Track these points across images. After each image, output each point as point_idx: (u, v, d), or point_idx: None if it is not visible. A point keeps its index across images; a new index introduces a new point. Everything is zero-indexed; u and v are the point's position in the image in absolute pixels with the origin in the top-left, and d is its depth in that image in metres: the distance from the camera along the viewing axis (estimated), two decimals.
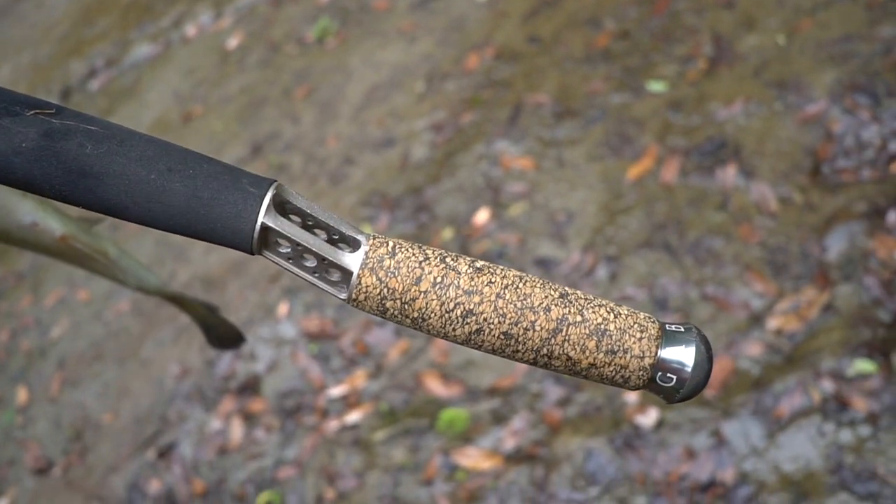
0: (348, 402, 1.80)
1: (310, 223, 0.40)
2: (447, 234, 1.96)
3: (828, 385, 1.36)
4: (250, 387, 1.97)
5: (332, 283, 0.39)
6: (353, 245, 0.39)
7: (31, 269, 2.83)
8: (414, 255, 0.38)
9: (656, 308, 1.62)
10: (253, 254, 0.38)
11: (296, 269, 0.39)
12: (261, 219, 0.37)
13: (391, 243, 0.38)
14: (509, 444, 1.57)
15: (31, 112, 0.37)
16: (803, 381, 1.38)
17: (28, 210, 0.57)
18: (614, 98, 2.04)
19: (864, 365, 1.35)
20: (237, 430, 1.92)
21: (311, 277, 0.39)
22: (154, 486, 1.96)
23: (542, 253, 1.81)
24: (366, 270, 0.38)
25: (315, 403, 1.84)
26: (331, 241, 0.40)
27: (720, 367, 1.48)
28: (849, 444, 1.29)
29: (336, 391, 1.83)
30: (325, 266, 0.39)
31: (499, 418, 1.61)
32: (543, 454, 1.52)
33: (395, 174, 2.21)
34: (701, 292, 1.60)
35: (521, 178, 1.99)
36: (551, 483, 1.48)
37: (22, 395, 2.45)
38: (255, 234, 0.37)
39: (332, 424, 1.78)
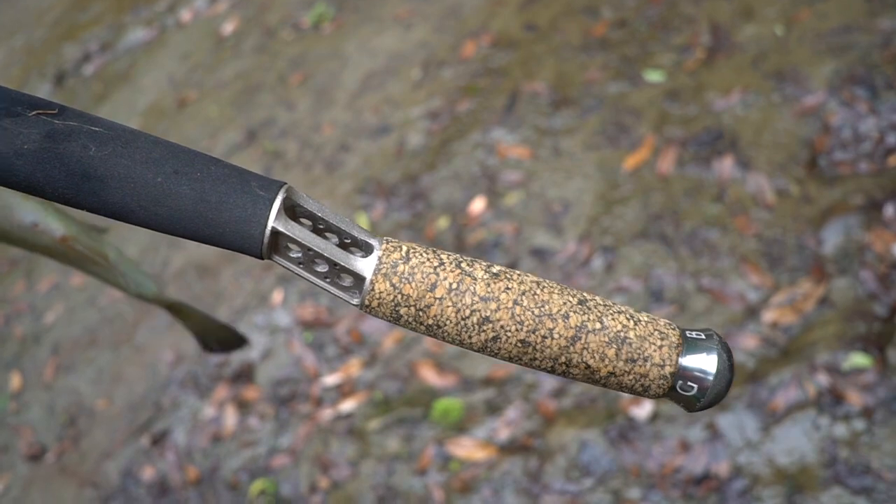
0: (343, 390, 1.80)
1: (321, 227, 0.39)
2: (443, 222, 1.95)
3: (823, 379, 1.36)
4: (244, 374, 1.97)
5: (344, 289, 0.38)
6: (366, 249, 0.38)
7: (24, 254, 2.81)
8: (428, 260, 0.37)
9: (651, 299, 1.62)
10: (262, 258, 0.37)
11: (306, 275, 0.38)
12: (271, 223, 0.36)
13: (405, 248, 0.37)
14: (503, 434, 1.57)
15: (33, 112, 0.36)
16: (798, 374, 1.38)
17: (29, 210, 0.56)
18: (611, 87, 2.03)
19: (859, 359, 1.35)
20: (231, 418, 1.92)
21: (322, 283, 0.38)
22: (148, 473, 1.96)
23: (537, 243, 1.81)
24: (379, 276, 0.37)
25: (309, 392, 1.84)
26: (342, 245, 0.39)
27: None
28: (843, 438, 1.30)
29: (330, 380, 1.82)
30: (337, 271, 0.38)
31: (493, 409, 1.61)
32: (538, 445, 1.52)
33: (391, 162, 2.19)
34: (697, 284, 1.60)
35: (517, 166, 1.98)
36: (545, 474, 1.48)
37: (16, 380, 2.44)
38: (265, 239, 0.36)
39: (327, 413, 1.78)
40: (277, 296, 2.04)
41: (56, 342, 2.46)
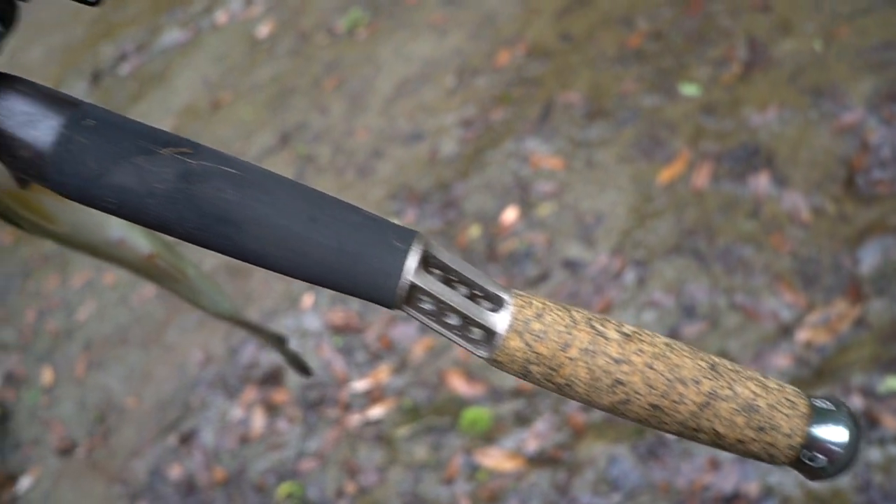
0: (371, 396, 1.81)
1: (451, 278, 0.38)
2: (474, 231, 1.96)
3: (857, 401, 1.35)
4: (273, 377, 1.99)
5: (473, 342, 0.38)
6: (496, 302, 0.37)
7: (58, 250, 2.85)
8: (561, 317, 0.36)
9: (683, 315, 1.61)
10: (392, 308, 0.37)
11: (435, 326, 0.38)
12: (410, 278, 0.36)
13: (536, 304, 0.37)
14: (532, 446, 1.57)
15: (167, 150, 0.35)
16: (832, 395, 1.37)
17: (116, 226, 0.56)
18: (646, 99, 2.03)
19: (895, 382, 1.33)
20: (259, 420, 1.93)
21: (450, 334, 0.38)
22: (175, 472, 1.98)
23: (569, 254, 1.81)
24: (512, 333, 0.36)
25: (338, 397, 1.85)
26: (471, 297, 0.38)
27: None
28: (878, 463, 1.29)
29: (359, 385, 1.83)
30: (468, 325, 0.37)
31: (522, 420, 1.61)
32: (566, 458, 1.52)
33: (424, 169, 2.20)
34: (729, 300, 1.59)
35: (550, 177, 1.98)
36: (573, 487, 1.48)
37: (47, 375, 2.48)
38: (402, 293, 0.36)
39: (355, 418, 1.79)
40: (308, 299, 2.06)
41: (88, 339, 2.50)
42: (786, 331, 1.50)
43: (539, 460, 1.55)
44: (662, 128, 1.94)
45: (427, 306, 0.37)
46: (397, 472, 1.67)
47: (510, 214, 1.94)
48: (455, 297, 0.36)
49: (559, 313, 0.37)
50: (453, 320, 0.38)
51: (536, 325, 0.36)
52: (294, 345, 1.96)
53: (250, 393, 1.99)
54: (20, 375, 2.55)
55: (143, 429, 2.15)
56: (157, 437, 2.09)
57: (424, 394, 1.75)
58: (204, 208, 0.35)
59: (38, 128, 0.35)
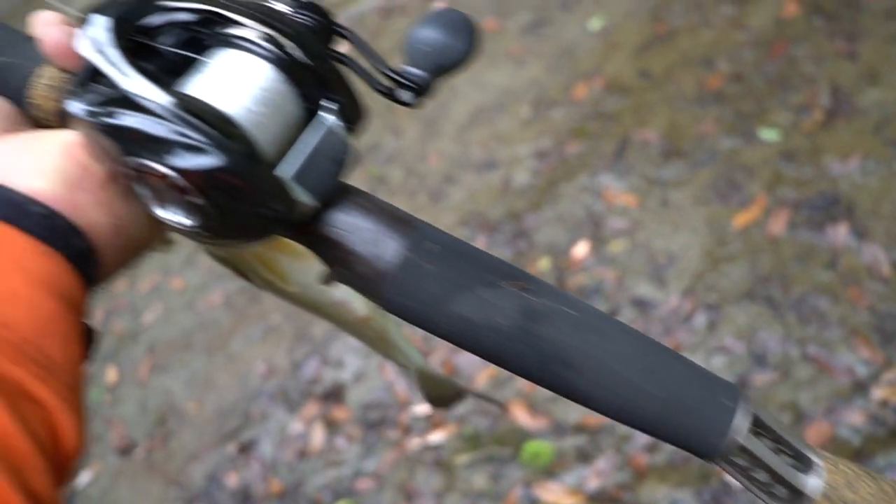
0: (432, 421, 1.81)
1: (760, 431, 0.37)
2: (544, 263, 1.96)
3: None
4: (335, 394, 2.01)
5: (777, 499, 0.37)
6: (803, 462, 0.37)
7: None
8: (871, 487, 0.36)
9: (753, 363, 1.59)
10: (705, 459, 0.37)
11: (741, 479, 0.37)
12: (741, 440, 0.35)
13: (844, 469, 0.37)
14: (593, 483, 1.56)
15: (509, 283, 0.35)
16: None
17: (341, 290, 0.59)
18: (725, 142, 2.02)
19: None
20: (318, 436, 1.95)
21: (752, 487, 0.37)
22: (232, 480, 2.01)
23: (639, 293, 1.80)
24: (823, 499, 0.36)
25: (399, 419, 1.86)
26: (776, 452, 0.38)
27: (818, 432, 1.44)
28: None
29: (421, 409, 1.84)
30: (776, 483, 0.37)
31: (584, 456, 1.60)
32: (627, 498, 1.51)
33: (496, 198, 2.22)
34: (802, 351, 1.57)
35: (623, 214, 1.98)
36: None
37: (112, 374, 2.53)
38: (727, 451, 0.36)
39: (415, 442, 1.80)
40: None
41: (152, 342, 2.55)
42: (861, 387, 1.48)
43: (599, 499, 1.54)
44: (740, 171, 1.93)
45: (740, 462, 0.37)
46: (454, 499, 1.67)
47: (581, 249, 1.95)
48: (770, 457, 0.36)
49: (869, 483, 0.37)
50: (761, 476, 0.37)
51: (849, 495, 0.36)
52: (357, 365, 1.98)
53: (311, 408, 2.01)
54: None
55: (202, 435, 2.19)
56: (216, 444, 2.12)
57: (486, 423, 1.75)
58: (543, 349, 0.35)
59: (381, 247, 0.36)
